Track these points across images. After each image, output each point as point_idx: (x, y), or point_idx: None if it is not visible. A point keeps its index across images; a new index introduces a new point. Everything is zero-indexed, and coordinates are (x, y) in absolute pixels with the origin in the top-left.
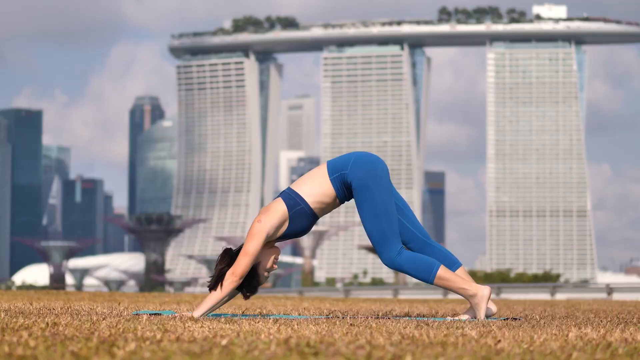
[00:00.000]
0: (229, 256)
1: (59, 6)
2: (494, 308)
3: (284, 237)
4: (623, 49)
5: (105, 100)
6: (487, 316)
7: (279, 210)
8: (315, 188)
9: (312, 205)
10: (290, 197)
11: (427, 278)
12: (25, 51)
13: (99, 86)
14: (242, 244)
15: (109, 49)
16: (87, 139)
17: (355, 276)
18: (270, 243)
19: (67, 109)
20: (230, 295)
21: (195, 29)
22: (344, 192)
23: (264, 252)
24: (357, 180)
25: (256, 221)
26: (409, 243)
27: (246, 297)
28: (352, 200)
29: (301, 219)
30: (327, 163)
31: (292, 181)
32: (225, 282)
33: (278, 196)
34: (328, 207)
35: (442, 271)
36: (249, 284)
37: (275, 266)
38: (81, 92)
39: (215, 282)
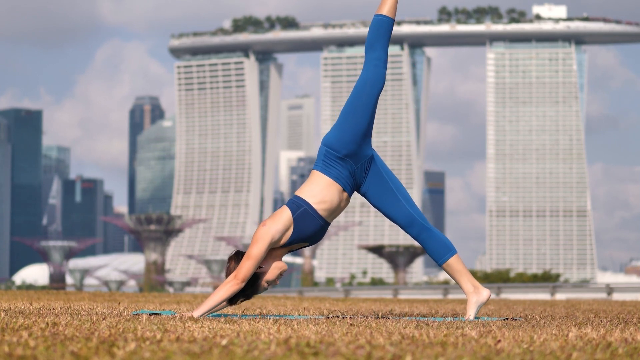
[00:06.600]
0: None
1: (48, 7)
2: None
3: (292, 242)
4: (603, 50)
5: (101, 101)
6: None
7: (284, 214)
8: (313, 187)
9: (315, 207)
10: (294, 202)
11: (438, 259)
12: (12, 52)
13: (91, 86)
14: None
15: (101, 48)
16: (83, 139)
17: (353, 276)
18: (279, 254)
19: (60, 110)
20: (231, 300)
21: (194, 29)
22: (339, 172)
23: (271, 264)
24: (333, 139)
25: (261, 225)
26: (408, 227)
27: (235, 303)
28: (350, 201)
29: (306, 221)
30: (313, 167)
31: (292, 181)
32: (227, 285)
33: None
34: (333, 201)
35: (454, 260)
36: (245, 291)
37: (278, 282)
38: (72, 92)
39: (248, 289)
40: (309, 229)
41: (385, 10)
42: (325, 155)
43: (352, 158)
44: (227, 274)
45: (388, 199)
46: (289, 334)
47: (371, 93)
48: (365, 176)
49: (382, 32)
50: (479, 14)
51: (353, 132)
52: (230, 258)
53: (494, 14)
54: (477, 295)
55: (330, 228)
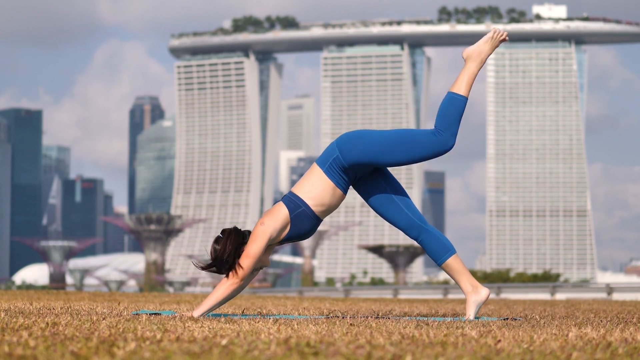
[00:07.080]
0: (241, 236)
1: (46, 7)
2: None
3: (287, 240)
4: (603, 50)
5: (100, 100)
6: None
7: (281, 213)
8: (313, 187)
9: (313, 208)
10: (291, 201)
11: (437, 259)
12: (11, 52)
13: (90, 86)
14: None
15: (100, 48)
16: (82, 139)
17: (353, 276)
18: (269, 249)
19: (60, 110)
20: (230, 296)
21: (194, 29)
22: (341, 178)
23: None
24: (350, 153)
25: (259, 223)
26: (407, 230)
27: (205, 269)
28: (350, 201)
29: (303, 221)
30: (316, 161)
31: (293, 181)
32: (226, 284)
33: (280, 200)
34: (331, 205)
35: (453, 260)
36: (222, 266)
37: (255, 273)
38: (71, 92)
39: (229, 268)
40: (305, 227)
41: (463, 90)
42: (335, 160)
43: (358, 169)
44: (218, 252)
45: (387, 204)
46: (289, 334)
47: (415, 152)
48: (365, 180)
49: (458, 116)
50: (479, 14)
51: (374, 158)
52: (228, 235)
53: (494, 13)
54: (476, 294)
55: (330, 228)
